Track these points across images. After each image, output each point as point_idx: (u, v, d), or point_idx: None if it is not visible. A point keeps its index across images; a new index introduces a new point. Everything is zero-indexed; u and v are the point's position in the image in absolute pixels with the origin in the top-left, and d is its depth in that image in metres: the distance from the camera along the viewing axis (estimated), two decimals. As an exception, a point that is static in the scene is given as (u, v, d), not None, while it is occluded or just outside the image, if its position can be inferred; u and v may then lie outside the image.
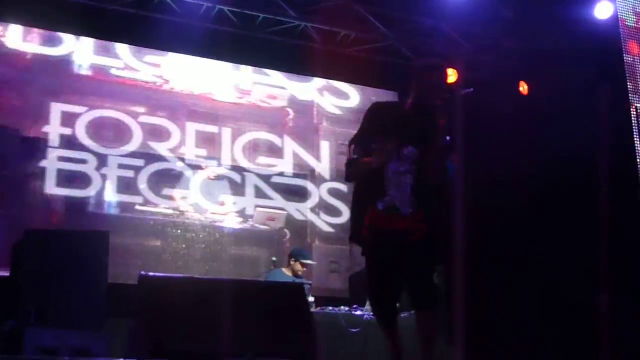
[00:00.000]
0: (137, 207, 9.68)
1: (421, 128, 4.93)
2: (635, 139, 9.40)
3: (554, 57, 10.54)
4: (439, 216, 5.11)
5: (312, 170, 10.91)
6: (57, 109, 9.55)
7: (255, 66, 10.89)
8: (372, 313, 5.27)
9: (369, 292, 4.96)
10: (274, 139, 10.75)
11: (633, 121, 9.38)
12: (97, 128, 9.72)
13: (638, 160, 9.36)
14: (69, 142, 9.49)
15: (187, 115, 10.29)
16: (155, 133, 10.03)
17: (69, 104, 9.64)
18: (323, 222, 10.76)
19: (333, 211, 10.82)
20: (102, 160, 9.61)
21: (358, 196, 4.96)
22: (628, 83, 9.41)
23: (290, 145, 10.80)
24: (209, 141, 10.32)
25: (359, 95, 11.51)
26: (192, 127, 10.27)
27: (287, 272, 8.72)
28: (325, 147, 11.05)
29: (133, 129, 9.91)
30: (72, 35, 9.88)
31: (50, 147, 9.38)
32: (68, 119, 9.57)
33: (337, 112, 11.28)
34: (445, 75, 5.23)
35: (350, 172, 4.94)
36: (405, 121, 4.93)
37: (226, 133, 10.46)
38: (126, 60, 10.15)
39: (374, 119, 4.98)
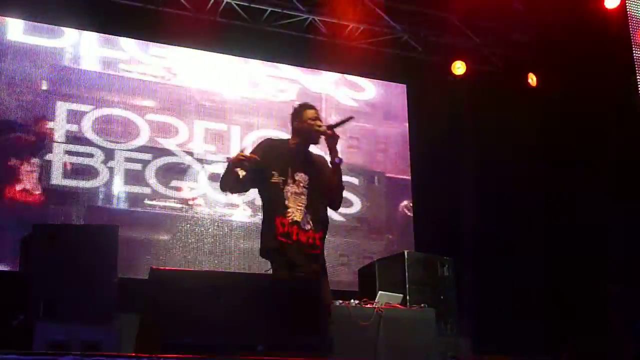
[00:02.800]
0: (146, 201, 9.66)
1: (308, 157, 5.86)
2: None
3: (563, 48, 10.52)
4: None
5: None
6: (63, 107, 9.52)
7: (264, 60, 10.85)
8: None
9: None
10: (284, 135, 10.68)
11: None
12: (104, 125, 9.70)
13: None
14: (75, 138, 9.47)
15: (195, 110, 10.26)
16: (163, 130, 10.00)
17: (75, 103, 9.60)
18: (333, 214, 10.73)
19: (344, 202, 10.78)
20: (109, 154, 9.59)
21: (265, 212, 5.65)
22: (638, 76, 9.35)
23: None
24: (218, 138, 10.29)
25: (372, 87, 11.48)
26: (200, 124, 10.24)
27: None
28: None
29: (140, 126, 9.89)
30: (77, 30, 9.85)
31: (56, 142, 9.36)
32: (74, 117, 9.55)
33: (353, 104, 11.23)
34: (316, 112, 5.94)
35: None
36: (292, 153, 5.81)
37: (235, 131, 10.43)
38: (133, 54, 10.13)
39: (266, 154, 5.68)
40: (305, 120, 5.88)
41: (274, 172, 5.62)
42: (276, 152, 5.78)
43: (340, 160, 5.75)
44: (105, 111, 9.75)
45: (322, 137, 5.76)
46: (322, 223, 5.70)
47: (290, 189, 5.61)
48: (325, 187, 5.74)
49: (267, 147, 5.83)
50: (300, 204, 5.59)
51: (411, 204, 11.20)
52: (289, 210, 5.53)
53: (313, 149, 6.00)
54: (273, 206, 5.56)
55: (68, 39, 9.82)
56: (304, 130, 5.87)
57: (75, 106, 9.59)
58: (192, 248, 9.70)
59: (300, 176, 5.71)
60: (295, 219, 5.52)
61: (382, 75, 11.41)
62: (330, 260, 10.34)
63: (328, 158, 5.78)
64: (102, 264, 5.98)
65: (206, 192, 10.02)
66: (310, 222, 5.59)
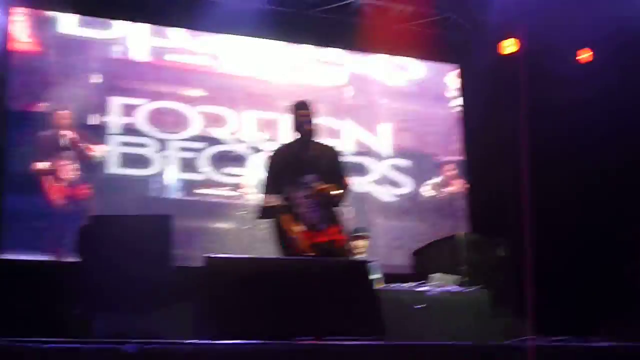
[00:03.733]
0: (199, 189, 9.74)
1: (314, 157, 6.20)
2: None
3: (616, 25, 10.33)
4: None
5: (372, 149, 10.86)
6: (116, 102, 9.67)
7: (311, 45, 10.85)
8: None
9: None
10: (333, 122, 10.71)
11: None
12: (157, 117, 9.81)
13: None
14: (129, 129, 9.60)
15: (244, 98, 10.30)
16: (214, 120, 10.07)
17: (128, 97, 9.74)
18: (385, 194, 10.73)
19: (395, 183, 10.79)
20: (162, 144, 9.70)
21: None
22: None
23: (349, 128, 10.75)
24: (268, 126, 10.32)
25: (421, 68, 11.43)
26: (250, 114, 10.28)
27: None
28: (385, 126, 10.98)
29: (192, 117, 9.98)
30: (127, 22, 9.95)
31: (111, 134, 9.49)
32: (127, 111, 9.69)
33: (402, 84, 11.20)
34: (310, 109, 6.35)
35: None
36: (299, 157, 6.17)
37: (285, 119, 10.44)
38: (181, 44, 10.20)
39: (275, 165, 6.19)
40: (295, 118, 6.36)
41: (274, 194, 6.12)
42: (281, 161, 6.25)
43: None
44: (157, 104, 9.85)
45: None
46: (336, 218, 6.13)
47: (299, 195, 6.04)
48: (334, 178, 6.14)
49: (277, 157, 6.32)
50: (309, 208, 6.00)
51: (464, 186, 11.14)
52: (305, 216, 5.99)
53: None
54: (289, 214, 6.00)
55: (117, 31, 9.93)
56: (297, 129, 6.32)
57: (128, 100, 9.72)
58: (246, 235, 9.74)
59: (310, 177, 6.11)
60: (312, 222, 5.95)
61: (432, 57, 11.33)
62: (384, 244, 10.36)
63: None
64: (157, 253, 6.03)
65: (258, 179, 10.05)
66: (326, 221, 6.00)
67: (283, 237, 6.03)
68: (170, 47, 10.15)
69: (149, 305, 5.73)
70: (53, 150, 9.23)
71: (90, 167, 9.32)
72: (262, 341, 3.52)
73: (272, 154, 6.43)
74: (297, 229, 5.90)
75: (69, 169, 9.23)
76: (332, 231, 5.99)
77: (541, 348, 4.47)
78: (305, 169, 6.09)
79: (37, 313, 7.69)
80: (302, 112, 6.28)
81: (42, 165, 9.14)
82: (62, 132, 9.31)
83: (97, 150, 9.40)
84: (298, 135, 6.28)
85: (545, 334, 7.66)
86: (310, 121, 6.21)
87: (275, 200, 6.04)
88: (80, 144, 9.34)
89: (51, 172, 9.14)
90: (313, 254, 5.80)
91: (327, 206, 6.02)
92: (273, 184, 6.11)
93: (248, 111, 10.28)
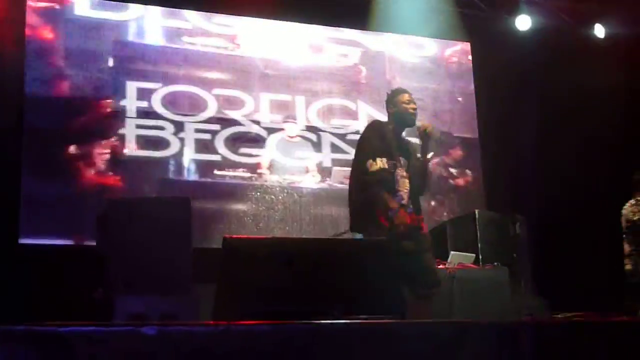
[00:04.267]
0: (216, 171, 9.77)
1: (404, 142, 6.31)
2: None
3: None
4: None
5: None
6: (132, 86, 9.68)
7: (324, 25, 10.85)
8: None
9: None
10: (348, 103, 10.72)
11: None
12: (173, 100, 9.83)
13: None
14: (145, 113, 9.62)
15: (259, 79, 10.31)
16: (230, 102, 10.09)
17: (143, 80, 9.74)
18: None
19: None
20: (179, 126, 9.73)
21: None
22: None
23: (364, 109, 10.75)
24: (284, 107, 10.35)
25: (433, 45, 11.42)
26: (265, 96, 10.30)
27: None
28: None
29: (208, 100, 9.99)
30: (142, 5, 9.97)
31: (128, 117, 9.52)
32: (143, 94, 9.70)
33: (415, 60, 11.18)
34: (409, 95, 6.29)
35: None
36: (393, 136, 6.14)
37: (300, 101, 10.47)
38: (196, 26, 10.22)
39: (375, 138, 6.09)
40: (398, 104, 6.21)
41: (383, 157, 5.93)
42: (382, 135, 6.12)
43: (429, 160, 6.22)
44: (173, 87, 9.87)
45: (417, 130, 6.21)
46: (420, 206, 6.16)
47: (399, 172, 5.94)
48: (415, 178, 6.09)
49: (378, 130, 6.21)
50: (406, 188, 5.91)
51: (480, 163, 11.12)
52: (399, 193, 5.85)
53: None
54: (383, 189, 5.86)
55: (132, 13, 9.95)
56: (398, 114, 6.21)
57: (144, 84, 9.73)
58: (263, 216, 9.79)
59: (403, 161, 6.06)
60: (403, 202, 5.83)
61: (445, 34, 11.29)
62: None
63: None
64: (176, 236, 6.06)
65: (275, 160, 10.09)
66: (412, 205, 5.95)
67: (381, 209, 5.82)
68: (185, 29, 10.15)
69: (168, 287, 5.77)
70: (88, 136, 9.28)
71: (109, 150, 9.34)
72: (281, 322, 3.54)
73: (374, 125, 6.40)
74: (395, 204, 5.80)
75: (103, 157, 9.27)
76: (417, 218, 6.00)
77: (556, 324, 4.48)
78: (400, 151, 6.10)
79: (56, 298, 7.75)
80: (404, 97, 6.24)
81: (75, 150, 9.19)
82: (99, 119, 9.36)
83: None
84: (394, 122, 6.26)
85: (560, 311, 7.68)
86: (411, 107, 6.21)
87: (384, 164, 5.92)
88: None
89: (84, 158, 9.18)
90: (406, 230, 5.78)
91: (415, 193, 6.07)
92: (377, 150, 5.99)
93: (263, 93, 10.28)
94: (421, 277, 5.93)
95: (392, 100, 6.27)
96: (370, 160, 5.91)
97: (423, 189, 6.28)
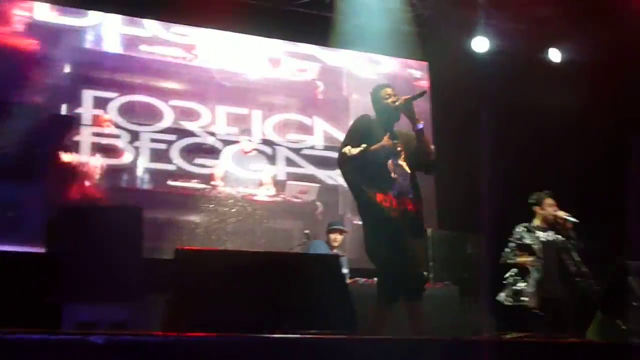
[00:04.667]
0: (169, 182, 9.72)
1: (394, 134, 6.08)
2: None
3: (584, 22, 10.43)
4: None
5: (343, 143, 10.88)
6: (88, 95, 9.61)
7: (284, 39, 10.86)
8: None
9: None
10: (304, 119, 10.74)
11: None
12: (129, 110, 9.77)
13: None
14: (101, 120, 9.54)
15: (217, 91, 10.29)
16: (186, 114, 10.06)
17: (100, 90, 9.68)
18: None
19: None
20: (134, 135, 9.68)
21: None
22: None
23: (320, 125, 10.78)
24: (240, 120, 10.34)
25: (391, 63, 11.49)
26: (222, 109, 10.28)
27: (325, 244, 8.76)
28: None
29: (164, 111, 9.95)
30: (101, 12, 9.91)
31: (84, 125, 9.44)
32: (100, 103, 9.64)
33: (373, 77, 11.22)
34: (390, 89, 6.33)
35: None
36: (384, 133, 5.99)
37: (256, 114, 10.46)
38: (155, 35, 10.18)
39: (357, 132, 6.01)
40: (380, 101, 6.19)
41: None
42: (371, 129, 6.06)
43: (422, 126, 6.04)
44: (130, 97, 9.82)
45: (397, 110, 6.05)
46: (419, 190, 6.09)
47: (393, 162, 5.90)
48: (415, 156, 6.01)
49: (366, 123, 6.12)
50: (402, 175, 5.89)
51: (433, 182, 11.17)
52: (395, 183, 5.82)
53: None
54: (377, 181, 5.80)
55: (91, 20, 9.89)
56: (382, 111, 6.16)
57: (100, 93, 9.66)
58: (216, 228, 9.76)
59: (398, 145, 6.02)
60: (403, 190, 5.83)
61: (404, 53, 11.37)
62: (355, 239, 10.38)
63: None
64: (127, 245, 6.01)
65: (229, 171, 10.06)
66: (412, 191, 5.94)
67: (373, 208, 5.74)
68: (143, 39, 10.11)
69: (118, 296, 5.72)
70: (41, 141, 9.18)
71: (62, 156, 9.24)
72: (231, 334, 3.52)
73: (362, 117, 6.27)
74: (386, 197, 5.75)
75: (56, 162, 9.18)
76: (419, 202, 6.00)
77: (504, 344, 4.51)
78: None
79: (3, 305, 7.62)
80: (384, 93, 6.21)
81: (26, 155, 9.08)
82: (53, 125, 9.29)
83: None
84: (380, 118, 6.17)
85: (509, 330, 7.73)
86: (392, 101, 6.11)
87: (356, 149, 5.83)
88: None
89: (35, 163, 9.07)
90: (402, 219, 5.72)
91: (413, 177, 6.01)
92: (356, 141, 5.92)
93: (220, 105, 10.25)
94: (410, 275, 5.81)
95: (374, 97, 6.29)
96: (349, 147, 5.88)
97: (429, 166, 6.26)
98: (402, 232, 5.65)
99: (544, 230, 7.91)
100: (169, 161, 9.77)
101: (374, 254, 5.72)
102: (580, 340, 5.54)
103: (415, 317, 5.74)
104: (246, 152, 10.23)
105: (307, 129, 10.70)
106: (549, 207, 7.93)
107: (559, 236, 7.83)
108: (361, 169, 5.83)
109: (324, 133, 10.71)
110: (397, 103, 6.00)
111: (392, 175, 5.82)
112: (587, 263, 7.80)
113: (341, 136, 10.93)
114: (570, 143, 10.46)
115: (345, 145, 5.93)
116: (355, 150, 5.80)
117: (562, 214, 7.83)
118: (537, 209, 8.04)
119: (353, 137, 5.96)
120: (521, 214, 10.27)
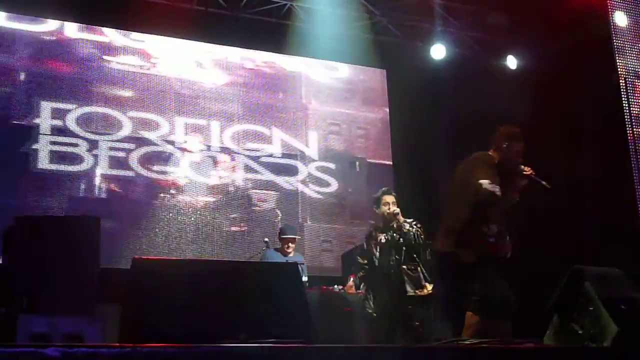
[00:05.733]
0: (128, 190, 9.66)
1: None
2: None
3: (540, 30, 10.53)
4: None
5: (301, 152, 10.90)
6: (46, 106, 9.53)
7: (243, 47, 10.86)
8: None
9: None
10: (262, 129, 10.74)
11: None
12: (88, 120, 9.71)
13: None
14: (60, 130, 9.48)
15: (175, 99, 10.26)
16: (145, 124, 10.01)
17: (58, 102, 9.60)
18: (313, 192, 10.76)
19: (322, 183, 10.85)
20: (93, 144, 9.62)
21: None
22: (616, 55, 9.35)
23: (278, 134, 10.80)
24: (199, 130, 10.31)
25: (351, 71, 11.53)
26: (180, 120, 10.24)
27: (279, 253, 8.70)
28: (313, 134, 11.04)
29: (123, 121, 9.90)
30: (59, 21, 9.84)
31: (42, 134, 9.36)
32: (58, 114, 9.57)
33: (329, 82, 11.26)
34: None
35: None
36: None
37: (215, 125, 10.44)
38: (113, 44, 10.13)
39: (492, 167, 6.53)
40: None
41: None
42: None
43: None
44: (88, 108, 9.75)
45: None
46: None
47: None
48: None
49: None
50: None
51: (393, 188, 11.22)
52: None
53: None
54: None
55: (49, 28, 9.81)
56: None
57: (58, 104, 9.59)
58: (175, 237, 9.72)
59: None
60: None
61: (361, 61, 11.41)
62: (314, 246, 10.41)
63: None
64: (84, 255, 5.95)
65: (188, 180, 10.03)
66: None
67: (481, 238, 6.22)
68: (101, 47, 10.05)
69: (74, 307, 5.67)
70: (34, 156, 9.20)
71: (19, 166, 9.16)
72: (187, 345, 3.51)
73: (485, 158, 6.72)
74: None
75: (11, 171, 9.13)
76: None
77: (462, 350, 4.54)
78: None
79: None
80: (518, 145, 6.62)
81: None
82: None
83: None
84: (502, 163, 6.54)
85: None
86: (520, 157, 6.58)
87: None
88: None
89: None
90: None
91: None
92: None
93: (179, 116, 10.22)
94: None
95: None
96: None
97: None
98: None
99: (382, 231, 7.50)
100: (128, 169, 9.72)
101: None
102: (537, 345, 5.59)
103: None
104: (204, 159, 10.20)
105: (265, 138, 10.70)
106: (384, 206, 7.50)
107: (396, 235, 7.44)
108: None
109: (281, 142, 10.73)
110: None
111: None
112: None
113: (299, 146, 11.07)
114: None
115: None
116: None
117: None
118: (374, 209, 7.66)
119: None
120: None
